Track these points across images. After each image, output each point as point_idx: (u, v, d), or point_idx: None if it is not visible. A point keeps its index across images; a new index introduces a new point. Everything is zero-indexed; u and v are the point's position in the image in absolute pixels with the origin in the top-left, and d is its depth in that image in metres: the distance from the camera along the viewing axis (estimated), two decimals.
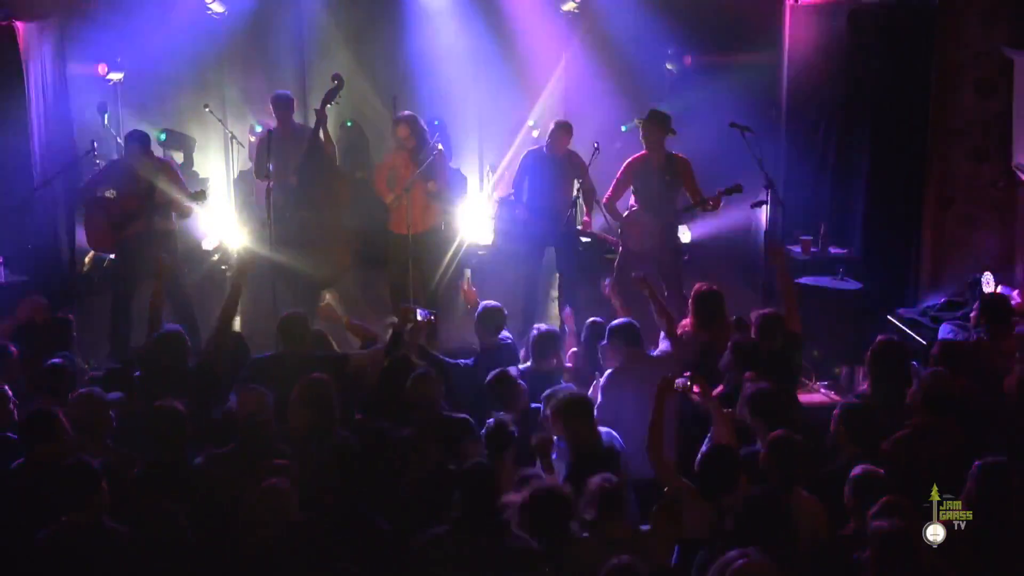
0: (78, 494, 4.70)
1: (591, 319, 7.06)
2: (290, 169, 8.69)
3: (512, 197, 9.27)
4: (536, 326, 6.87)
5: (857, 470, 4.73)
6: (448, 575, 4.45)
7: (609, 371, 6.31)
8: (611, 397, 6.13)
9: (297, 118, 9.48)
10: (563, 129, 8.86)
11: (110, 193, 8.47)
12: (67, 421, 5.33)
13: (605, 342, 6.44)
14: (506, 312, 6.93)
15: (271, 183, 8.38)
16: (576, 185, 9.03)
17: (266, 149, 8.55)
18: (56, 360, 6.12)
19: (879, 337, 6.34)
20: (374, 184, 8.88)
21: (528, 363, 6.65)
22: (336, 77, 8.75)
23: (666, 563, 4.50)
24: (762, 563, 3.97)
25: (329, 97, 8.65)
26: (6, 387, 5.72)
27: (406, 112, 8.96)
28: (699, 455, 5.15)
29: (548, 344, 6.63)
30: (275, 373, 6.00)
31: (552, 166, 8.86)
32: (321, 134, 8.72)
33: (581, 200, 9.20)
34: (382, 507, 4.87)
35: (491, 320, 6.82)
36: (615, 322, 6.52)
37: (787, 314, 6.60)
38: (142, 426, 5.46)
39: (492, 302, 6.95)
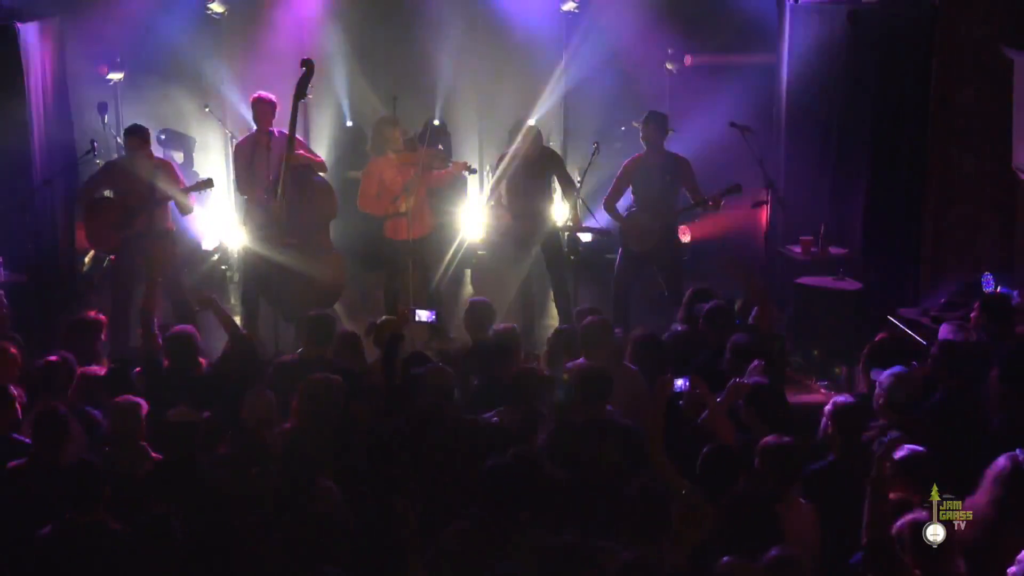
0: (83, 494, 4.74)
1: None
2: (264, 182, 8.38)
3: (492, 203, 9.26)
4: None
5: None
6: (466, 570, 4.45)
7: None
8: None
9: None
10: (533, 132, 8.78)
11: (108, 194, 8.46)
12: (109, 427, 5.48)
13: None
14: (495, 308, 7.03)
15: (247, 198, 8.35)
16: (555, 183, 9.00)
17: (243, 162, 8.52)
18: (52, 357, 6.15)
19: (877, 336, 6.35)
20: (360, 200, 8.68)
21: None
22: (305, 63, 8.17)
23: (683, 565, 4.47)
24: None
25: (301, 87, 8.16)
26: (12, 388, 5.72)
27: (388, 114, 8.84)
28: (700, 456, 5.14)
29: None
30: (298, 377, 5.96)
31: (527, 166, 8.76)
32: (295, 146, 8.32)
33: (564, 198, 9.07)
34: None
35: (479, 315, 6.88)
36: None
37: (761, 316, 6.61)
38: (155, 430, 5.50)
39: (480, 298, 7.05)
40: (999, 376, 5.61)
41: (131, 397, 5.64)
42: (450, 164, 8.84)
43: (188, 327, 6.66)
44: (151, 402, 5.93)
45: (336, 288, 8.54)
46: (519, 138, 8.86)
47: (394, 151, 8.56)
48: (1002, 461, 4.59)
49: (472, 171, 8.95)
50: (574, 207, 8.89)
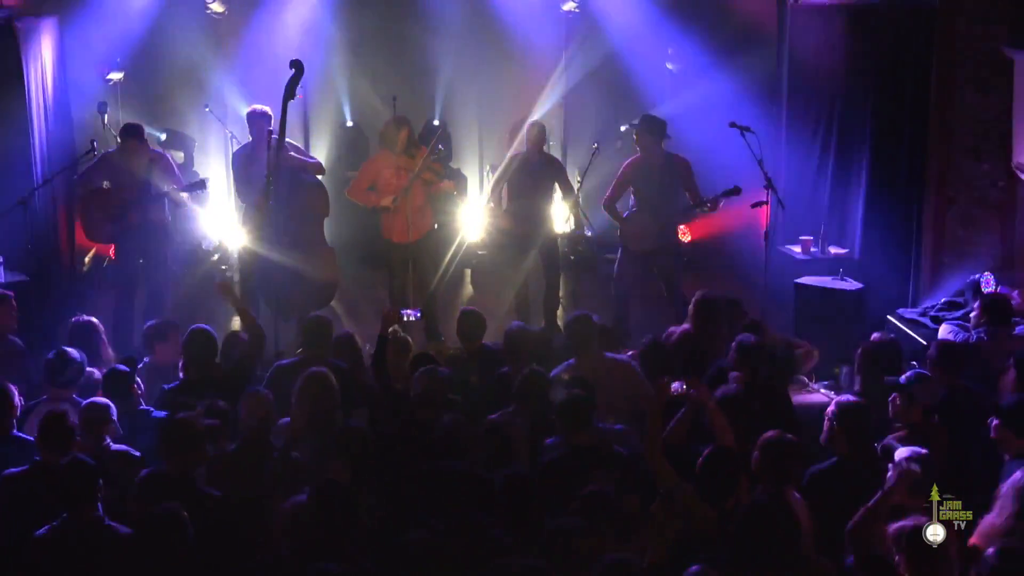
0: (77, 493, 4.72)
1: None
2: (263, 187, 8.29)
3: (491, 204, 9.27)
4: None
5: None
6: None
7: None
8: None
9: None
10: (537, 128, 8.82)
11: (105, 184, 8.48)
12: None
13: None
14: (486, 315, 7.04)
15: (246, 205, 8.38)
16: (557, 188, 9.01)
17: (240, 172, 8.56)
18: (66, 349, 6.16)
19: (872, 336, 6.36)
20: (351, 187, 8.74)
21: None
22: (294, 64, 8.01)
23: (662, 560, 4.47)
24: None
25: (290, 88, 8.01)
26: (12, 386, 5.71)
27: (400, 115, 8.83)
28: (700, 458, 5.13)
29: None
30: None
31: (530, 169, 8.80)
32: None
33: (564, 201, 9.13)
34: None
35: (469, 325, 6.88)
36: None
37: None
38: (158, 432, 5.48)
39: (471, 307, 7.08)
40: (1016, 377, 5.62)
41: (98, 399, 5.60)
42: (443, 181, 8.88)
43: (205, 326, 6.59)
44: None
45: (331, 284, 8.57)
46: (522, 135, 8.88)
47: (395, 152, 8.56)
48: (1019, 474, 4.56)
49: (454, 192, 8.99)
50: (574, 212, 8.91)
